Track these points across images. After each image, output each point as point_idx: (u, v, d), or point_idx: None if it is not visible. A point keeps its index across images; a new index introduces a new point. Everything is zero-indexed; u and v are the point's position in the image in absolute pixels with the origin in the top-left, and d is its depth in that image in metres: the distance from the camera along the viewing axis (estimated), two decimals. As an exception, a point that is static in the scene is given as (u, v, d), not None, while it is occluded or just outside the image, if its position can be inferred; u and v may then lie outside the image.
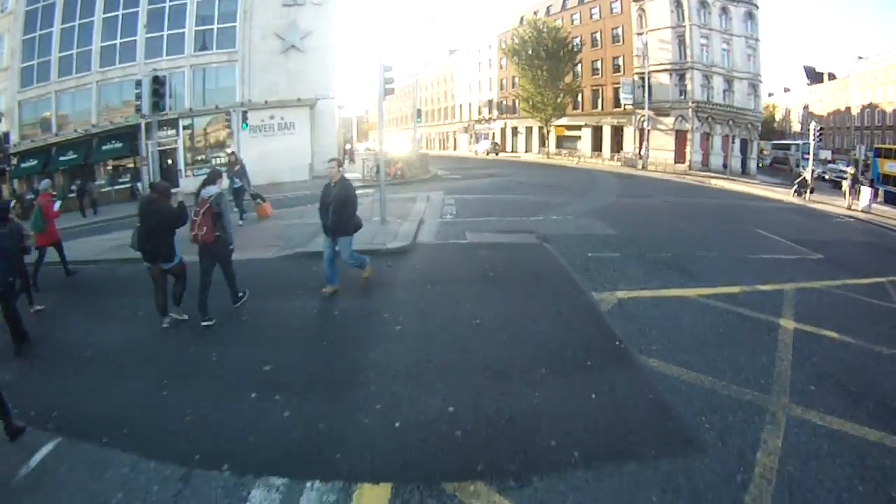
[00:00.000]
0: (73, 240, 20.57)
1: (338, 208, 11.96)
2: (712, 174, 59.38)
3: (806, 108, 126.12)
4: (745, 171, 67.17)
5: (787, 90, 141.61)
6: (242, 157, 42.25)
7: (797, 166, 70.06)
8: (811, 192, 39.60)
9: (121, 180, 44.33)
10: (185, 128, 45.29)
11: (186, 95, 45.35)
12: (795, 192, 39.89)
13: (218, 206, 10.92)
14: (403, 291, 12.65)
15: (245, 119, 40.43)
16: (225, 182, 20.17)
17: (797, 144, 77.17)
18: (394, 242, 17.31)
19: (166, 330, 10.72)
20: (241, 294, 11.93)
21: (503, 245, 17.62)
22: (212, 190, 11.08)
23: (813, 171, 43.10)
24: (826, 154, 79.36)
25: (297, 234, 19.70)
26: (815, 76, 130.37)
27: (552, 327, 10.37)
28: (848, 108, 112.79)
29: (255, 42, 45.69)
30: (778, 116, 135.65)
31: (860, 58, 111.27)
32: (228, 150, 40.35)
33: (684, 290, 13.09)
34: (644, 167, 62.41)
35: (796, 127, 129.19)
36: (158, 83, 19.48)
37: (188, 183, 42.87)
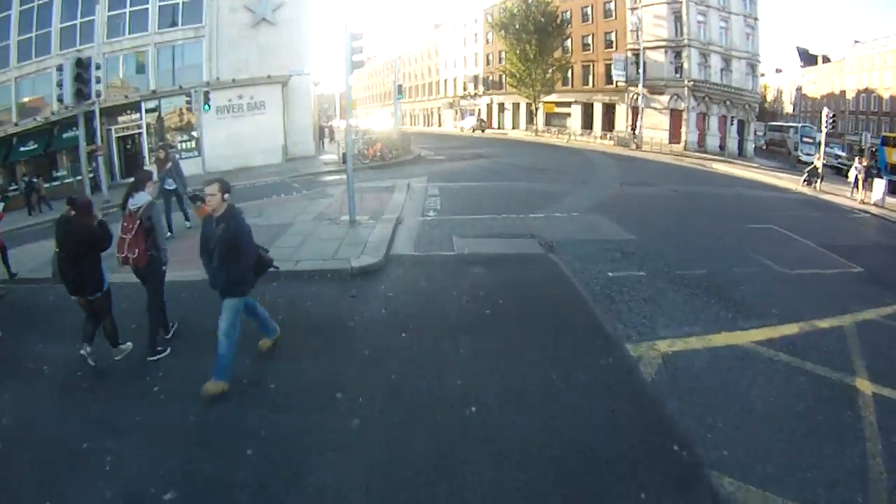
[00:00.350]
0: (16, 247, 16.46)
1: (223, 258, 7.59)
2: (710, 156, 56.53)
3: (799, 89, 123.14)
4: (741, 153, 64.34)
5: (778, 71, 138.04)
6: (209, 139, 40.64)
7: (795, 150, 67.67)
8: (821, 180, 36.48)
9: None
10: (149, 111, 41.17)
11: (151, 76, 41.38)
12: (805, 181, 36.70)
13: (150, 219, 8.84)
14: (368, 345, 9.05)
15: (207, 100, 36.33)
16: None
17: (795, 127, 73.96)
18: (361, 258, 13.67)
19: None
20: (162, 341, 9.18)
21: (500, 259, 14.14)
22: (141, 199, 8.94)
23: (823, 159, 39.85)
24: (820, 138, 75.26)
25: (250, 241, 16.16)
26: (808, 58, 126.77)
27: (580, 417, 6.99)
28: (843, 92, 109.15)
29: (223, 16, 41.57)
30: (770, 97, 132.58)
31: (857, 42, 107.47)
32: (173, 141, 37.69)
33: (737, 333, 9.91)
34: (638, 147, 59.13)
35: (788, 108, 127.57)
36: (82, 67, 15.52)
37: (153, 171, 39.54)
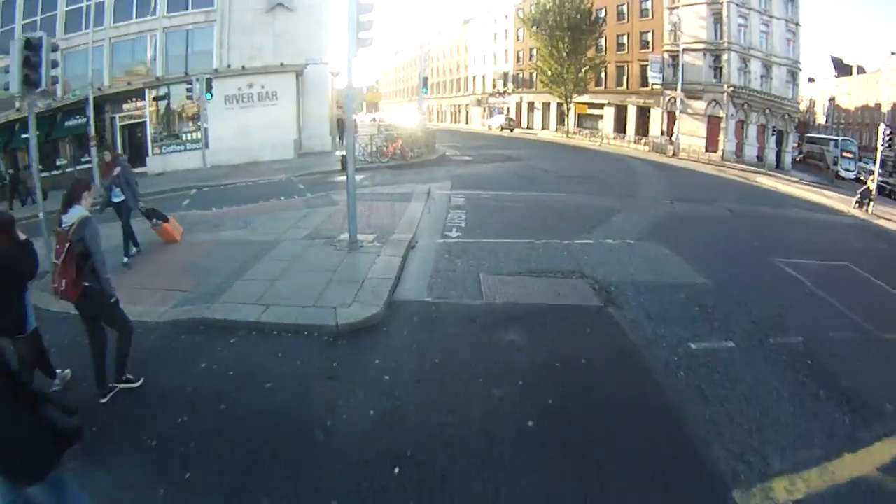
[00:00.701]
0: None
1: None
2: (749, 167, 52.16)
3: (832, 100, 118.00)
4: (779, 165, 60.06)
5: (811, 80, 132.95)
6: (216, 130, 36.08)
7: (834, 164, 63.29)
8: (872, 202, 32.17)
9: (83, 159, 36.63)
10: (155, 99, 38.14)
11: (159, 62, 38.40)
12: (857, 202, 32.43)
13: (82, 241, 6.60)
14: (340, 494, 5.28)
15: (209, 88, 32.46)
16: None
17: (835, 140, 69.29)
18: (352, 307, 9.73)
19: None
20: (114, 386, 7.16)
21: (544, 315, 10.09)
22: (74, 214, 6.73)
23: (877, 180, 35.43)
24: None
25: (221, 268, 12.37)
26: (843, 68, 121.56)
27: None
28: (878, 105, 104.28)
29: (236, -1, 38.45)
30: (802, 107, 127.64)
31: (893, 53, 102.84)
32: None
33: (860, 454, 6.58)
34: (675, 154, 54.70)
35: (821, 119, 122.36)
36: (31, 49, 11.59)
37: (155, 163, 36.62)
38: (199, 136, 36.33)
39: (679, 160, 50.94)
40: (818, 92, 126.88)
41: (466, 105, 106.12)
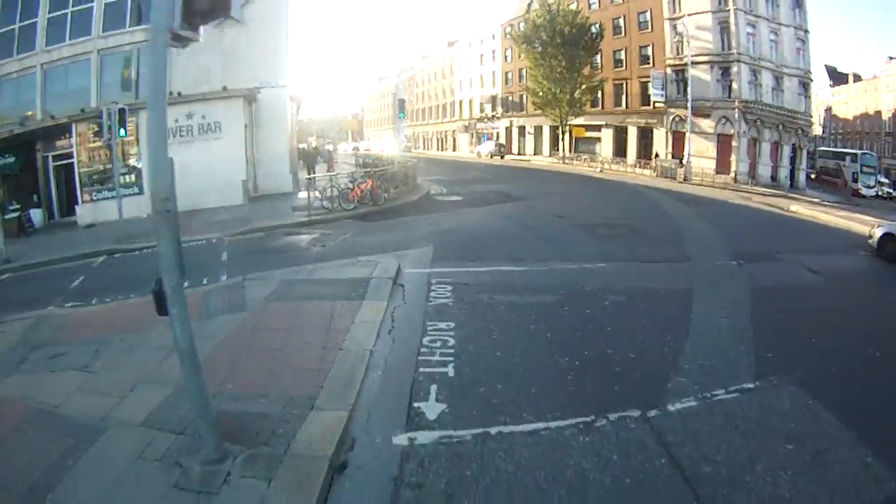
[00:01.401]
0: None
1: None
2: (767, 190, 45.35)
3: (828, 110, 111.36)
4: (793, 185, 53.33)
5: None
6: (150, 171, 27.70)
7: (853, 181, 56.71)
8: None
9: (11, 208, 28.57)
10: (95, 134, 29.15)
11: (93, 90, 30.90)
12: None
13: None
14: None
15: (122, 123, 23.25)
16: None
17: (853, 155, 61.80)
18: None
19: None
20: None
21: None
22: None
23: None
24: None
25: None
26: (837, 77, 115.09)
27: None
28: (878, 113, 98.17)
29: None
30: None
31: (891, 58, 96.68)
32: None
33: None
34: (686, 179, 47.07)
35: (817, 130, 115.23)
36: None
37: (85, 212, 28.50)
38: (134, 178, 28.56)
39: (692, 185, 43.55)
40: (813, 102, 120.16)
41: (453, 131, 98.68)
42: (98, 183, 29.34)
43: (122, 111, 22.46)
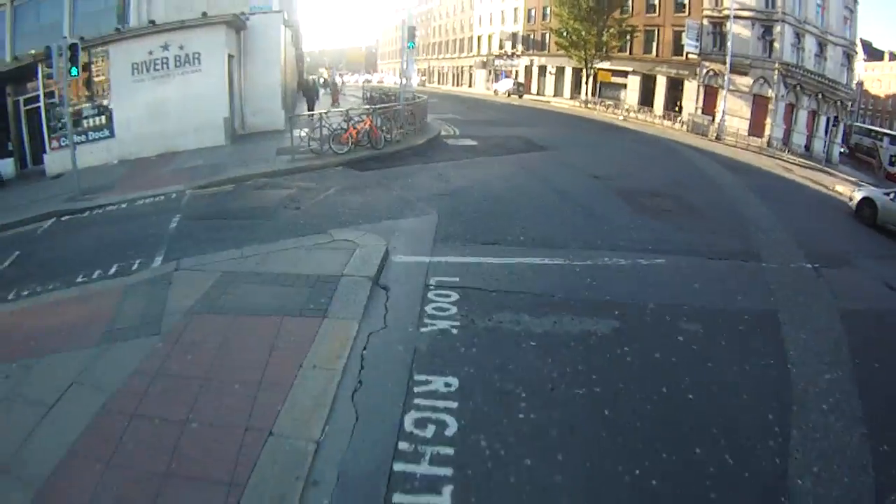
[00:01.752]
0: None
1: None
2: (801, 160, 40.86)
3: (860, 84, 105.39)
4: (828, 159, 48.30)
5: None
6: (123, 112, 23.00)
7: (890, 164, 51.01)
8: None
9: None
10: (47, 76, 24.13)
11: (66, 23, 25.88)
12: None
13: None
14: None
15: (74, 60, 18.39)
16: None
17: (893, 136, 56.58)
18: None
19: None
20: None
21: None
22: None
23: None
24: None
25: None
26: (873, 52, 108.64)
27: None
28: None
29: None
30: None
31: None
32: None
33: None
34: (719, 138, 42.54)
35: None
36: None
37: (55, 160, 23.83)
38: (104, 120, 24.35)
39: (726, 146, 39.32)
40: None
41: (470, 67, 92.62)
42: (65, 128, 24.95)
43: (73, 47, 17.83)
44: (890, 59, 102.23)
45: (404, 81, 28.13)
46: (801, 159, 41.10)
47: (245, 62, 26.91)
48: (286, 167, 18.28)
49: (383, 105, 24.28)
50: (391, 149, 21.20)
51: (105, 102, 24.48)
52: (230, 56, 25.20)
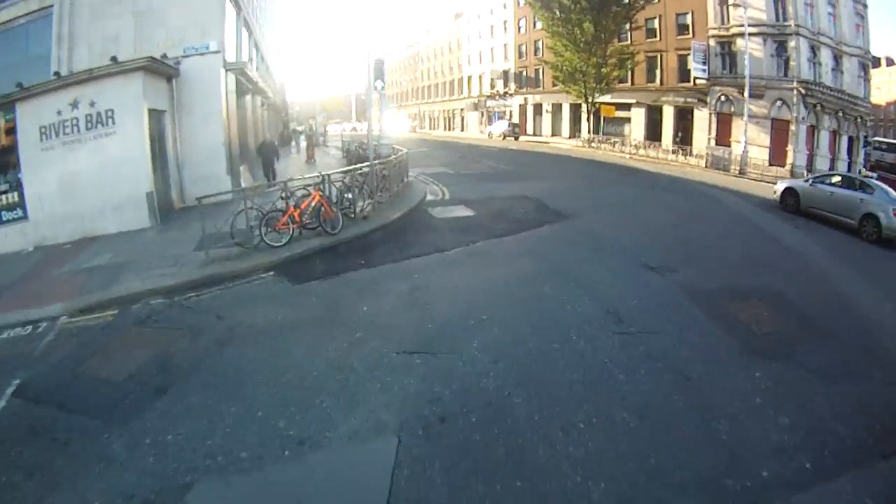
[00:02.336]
0: None
1: None
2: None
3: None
4: (850, 178, 41.75)
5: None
6: (34, 186, 14.66)
7: None
8: None
9: None
10: None
11: None
12: None
13: None
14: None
15: None
16: None
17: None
18: None
19: None
20: None
21: None
22: None
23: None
24: None
25: None
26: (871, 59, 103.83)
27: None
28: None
29: (78, -31, 19.70)
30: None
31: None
32: None
33: None
34: (742, 172, 36.66)
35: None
36: None
37: None
38: (16, 198, 17.93)
39: (754, 182, 33.27)
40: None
41: (461, 110, 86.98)
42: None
43: None
44: (888, 65, 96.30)
45: (378, 130, 22.02)
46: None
47: (180, 118, 20.64)
48: (194, 276, 11.80)
49: (343, 170, 17.46)
50: (353, 231, 14.52)
51: (20, 176, 18.19)
52: (154, 111, 18.93)
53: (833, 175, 22.62)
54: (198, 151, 20.92)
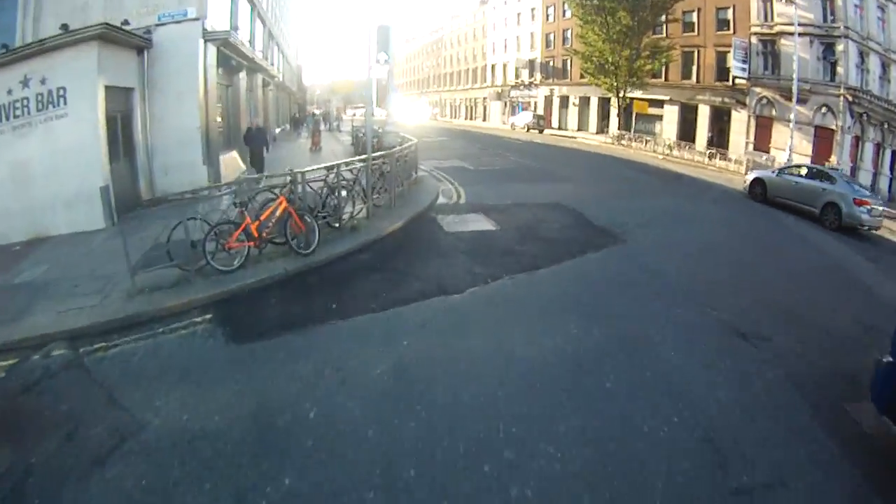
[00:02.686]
0: None
1: None
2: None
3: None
4: (891, 197, 38.10)
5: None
6: None
7: None
8: None
9: None
10: None
11: None
12: None
13: None
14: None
15: None
16: None
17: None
18: None
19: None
20: None
21: None
22: None
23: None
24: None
25: None
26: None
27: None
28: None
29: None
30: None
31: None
32: None
33: None
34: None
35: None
36: None
37: None
38: None
39: None
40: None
41: (484, 99, 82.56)
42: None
43: None
44: None
45: (383, 115, 18.46)
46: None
47: (152, 97, 17.14)
48: (112, 313, 8.39)
49: (327, 166, 12.90)
50: (333, 249, 10.91)
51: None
52: (115, 89, 15.42)
53: (801, 167, 22.83)
54: (170, 136, 17.42)
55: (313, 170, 12.21)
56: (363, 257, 10.93)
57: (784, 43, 38.26)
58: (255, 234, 9.92)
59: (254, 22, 29.16)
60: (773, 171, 22.93)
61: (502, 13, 75.91)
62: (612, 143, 45.73)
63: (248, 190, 10.51)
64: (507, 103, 74.40)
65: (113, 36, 14.81)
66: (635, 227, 14.46)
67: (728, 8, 43.15)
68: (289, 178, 10.94)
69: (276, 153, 28.87)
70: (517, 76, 71.56)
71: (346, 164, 13.43)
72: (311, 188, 11.81)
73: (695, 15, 45.50)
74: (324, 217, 11.79)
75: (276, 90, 44.31)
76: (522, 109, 67.60)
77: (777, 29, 39.07)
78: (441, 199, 16.86)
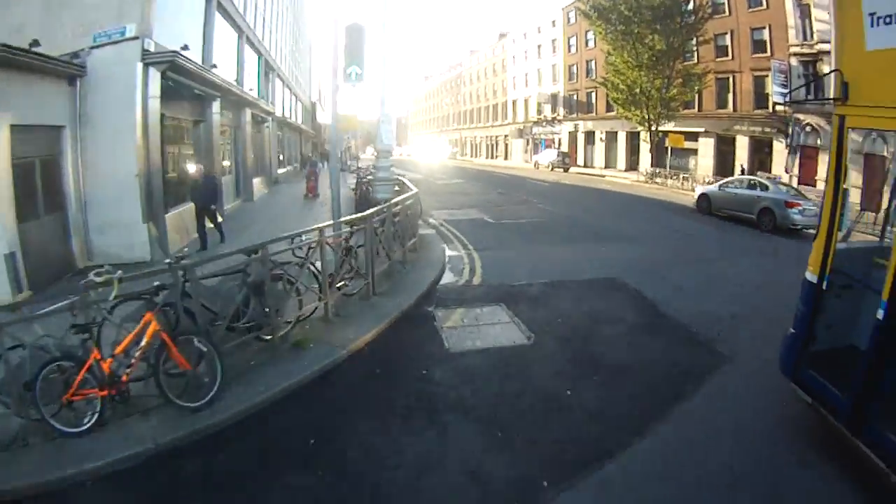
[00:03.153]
0: None
1: None
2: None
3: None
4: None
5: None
6: None
7: None
8: None
9: None
10: None
11: None
12: None
13: None
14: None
15: None
16: None
17: None
18: None
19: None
20: None
21: None
22: None
23: None
24: None
25: None
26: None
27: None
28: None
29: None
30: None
31: None
32: None
33: None
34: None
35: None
36: None
37: None
38: None
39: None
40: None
41: (505, 136, 78.75)
42: None
43: None
44: None
45: (372, 153, 14.28)
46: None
47: (85, 137, 12.98)
48: None
49: (249, 249, 7.70)
50: (248, 396, 6.32)
51: None
52: (31, 128, 11.32)
53: (742, 179, 24.47)
54: (107, 185, 13.27)
55: (226, 255, 7.62)
56: (291, 417, 6.15)
57: (821, 66, 33.81)
58: (108, 378, 5.45)
59: (242, 51, 25.23)
60: (716, 187, 24.80)
61: (522, 46, 72.34)
62: (646, 182, 40.84)
63: (98, 300, 5.90)
64: (530, 140, 70.48)
65: (19, 61, 10.65)
66: (730, 319, 9.58)
67: (763, 28, 38.74)
68: (170, 274, 6.32)
69: (267, 199, 26.39)
70: (539, 111, 67.55)
71: (296, 236, 8.78)
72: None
73: (728, 38, 41.21)
74: (247, 325, 7.26)
75: (282, 128, 40.44)
76: (546, 147, 63.76)
77: (818, 48, 34.41)
78: (447, 276, 12.27)
